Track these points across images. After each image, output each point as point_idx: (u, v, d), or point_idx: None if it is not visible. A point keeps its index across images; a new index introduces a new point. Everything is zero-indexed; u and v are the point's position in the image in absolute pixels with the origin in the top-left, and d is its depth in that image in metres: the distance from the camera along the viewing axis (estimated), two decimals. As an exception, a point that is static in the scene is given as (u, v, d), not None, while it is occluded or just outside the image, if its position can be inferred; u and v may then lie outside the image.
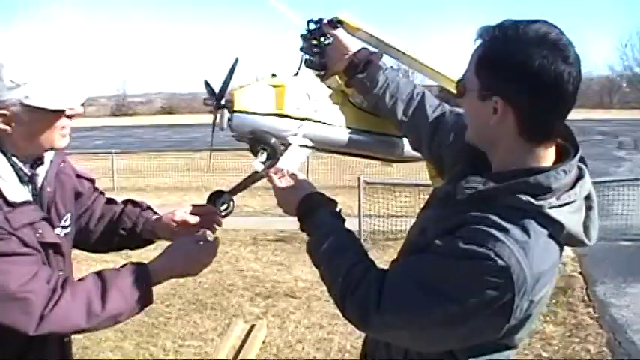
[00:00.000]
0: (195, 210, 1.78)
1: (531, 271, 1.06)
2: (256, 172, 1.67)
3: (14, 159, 1.44)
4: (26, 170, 1.48)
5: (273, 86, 1.64)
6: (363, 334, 1.50)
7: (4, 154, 1.43)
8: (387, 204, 7.57)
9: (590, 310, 4.78)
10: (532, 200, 1.11)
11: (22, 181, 1.46)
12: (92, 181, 1.83)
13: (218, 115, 1.63)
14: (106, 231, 1.79)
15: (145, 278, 1.47)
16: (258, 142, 1.62)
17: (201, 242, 1.61)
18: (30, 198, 1.46)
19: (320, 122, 1.67)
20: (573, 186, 1.16)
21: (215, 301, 5.09)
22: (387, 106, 1.60)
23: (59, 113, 1.43)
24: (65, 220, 1.60)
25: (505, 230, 1.08)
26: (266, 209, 8.73)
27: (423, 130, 1.56)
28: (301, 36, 1.73)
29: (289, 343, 4.26)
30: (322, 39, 1.69)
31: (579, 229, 1.17)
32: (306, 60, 1.72)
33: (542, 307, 1.25)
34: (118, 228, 1.79)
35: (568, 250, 6.23)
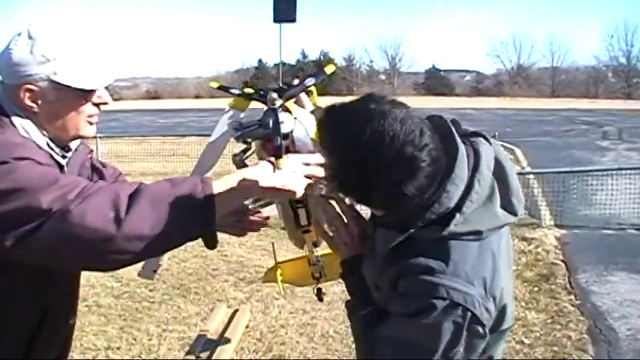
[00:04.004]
0: None
1: (474, 285, 1.11)
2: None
3: (49, 141, 1.37)
4: (60, 158, 1.41)
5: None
6: (347, 320, 1.50)
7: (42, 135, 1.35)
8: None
9: (572, 297, 4.82)
10: (438, 229, 1.13)
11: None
12: (115, 169, 1.76)
13: (281, 116, 1.42)
14: None
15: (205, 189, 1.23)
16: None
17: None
18: None
19: None
20: (470, 186, 1.15)
21: (199, 286, 5.07)
22: None
23: (85, 96, 1.37)
24: None
25: (431, 270, 1.12)
26: (252, 195, 8.63)
27: None
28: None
29: (273, 328, 4.26)
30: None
31: (497, 220, 1.18)
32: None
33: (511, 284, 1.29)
34: None
35: (551, 238, 6.31)
